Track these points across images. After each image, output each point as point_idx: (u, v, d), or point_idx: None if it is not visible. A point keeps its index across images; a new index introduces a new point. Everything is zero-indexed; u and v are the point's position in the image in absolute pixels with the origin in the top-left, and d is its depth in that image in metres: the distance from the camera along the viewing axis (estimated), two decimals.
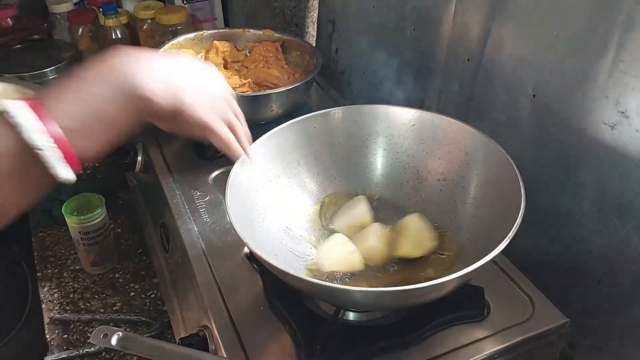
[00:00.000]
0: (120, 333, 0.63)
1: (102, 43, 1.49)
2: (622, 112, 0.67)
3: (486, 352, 0.64)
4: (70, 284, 0.96)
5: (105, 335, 0.63)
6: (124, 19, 1.47)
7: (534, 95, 0.78)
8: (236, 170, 0.68)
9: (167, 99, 0.58)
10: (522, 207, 0.61)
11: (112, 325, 0.89)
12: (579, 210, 0.75)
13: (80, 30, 1.54)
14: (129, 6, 1.55)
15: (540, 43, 0.76)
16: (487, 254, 0.56)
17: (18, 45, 1.56)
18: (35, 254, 1.04)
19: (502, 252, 0.58)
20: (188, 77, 0.62)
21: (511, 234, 0.58)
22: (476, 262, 0.55)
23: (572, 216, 0.76)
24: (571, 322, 0.71)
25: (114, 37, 1.44)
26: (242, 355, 0.64)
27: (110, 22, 1.43)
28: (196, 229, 0.80)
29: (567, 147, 0.75)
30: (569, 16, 0.70)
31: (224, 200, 0.65)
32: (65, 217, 0.91)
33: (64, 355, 0.83)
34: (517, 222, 0.59)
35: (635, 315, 0.71)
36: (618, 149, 0.68)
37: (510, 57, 0.81)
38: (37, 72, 1.45)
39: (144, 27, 1.47)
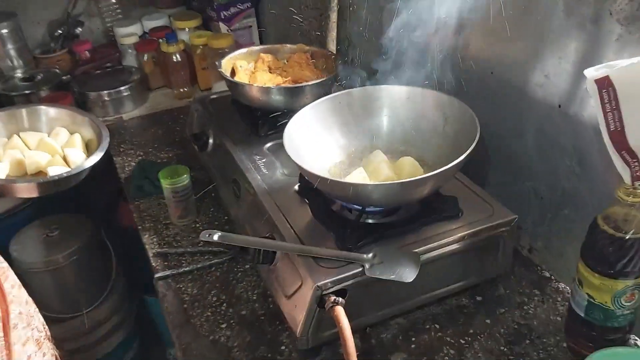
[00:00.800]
0: (219, 233, 0.97)
1: (164, 66, 1.87)
2: (546, 76, 1.00)
3: (459, 234, 0.97)
4: (164, 232, 1.30)
5: (210, 235, 0.97)
6: (181, 46, 1.84)
7: (491, 73, 1.12)
8: (290, 128, 1.03)
9: None
10: (477, 136, 0.94)
11: (198, 255, 1.23)
12: (526, 149, 1.08)
13: (145, 57, 1.93)
14: (184, 36, 1.93)
15: (496, 36, 1.10)
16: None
17: (96, 71, 1.95)
18: (134, 215, 1.38)
19: (477, 183, 0.91)
20: None
21: (469, 151, 0.91)
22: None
23: (523, 154, 1.09)
24: (526, 230, 1.04)
25: (174, 60, 1.82)
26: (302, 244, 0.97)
27: (171, 49, 1.81)
28: (260, 178, 1.14)
29: (514, 104, 1.08)
30: (514, 18, 1.05)
31: (284, 147, 0.99)
32: (161, 181, 1.26)
33: (168, 273, 1.17)
34: (473, 145, 0.92)
35: (565, 215, 1.03)
36: (545, 100, 1.01)
37: (475, 47, 1.15)
38: (113, 91, 1.84)
39: (198, 51, 1.84)
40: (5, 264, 1.24)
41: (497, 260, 1.04)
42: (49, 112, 1.36)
